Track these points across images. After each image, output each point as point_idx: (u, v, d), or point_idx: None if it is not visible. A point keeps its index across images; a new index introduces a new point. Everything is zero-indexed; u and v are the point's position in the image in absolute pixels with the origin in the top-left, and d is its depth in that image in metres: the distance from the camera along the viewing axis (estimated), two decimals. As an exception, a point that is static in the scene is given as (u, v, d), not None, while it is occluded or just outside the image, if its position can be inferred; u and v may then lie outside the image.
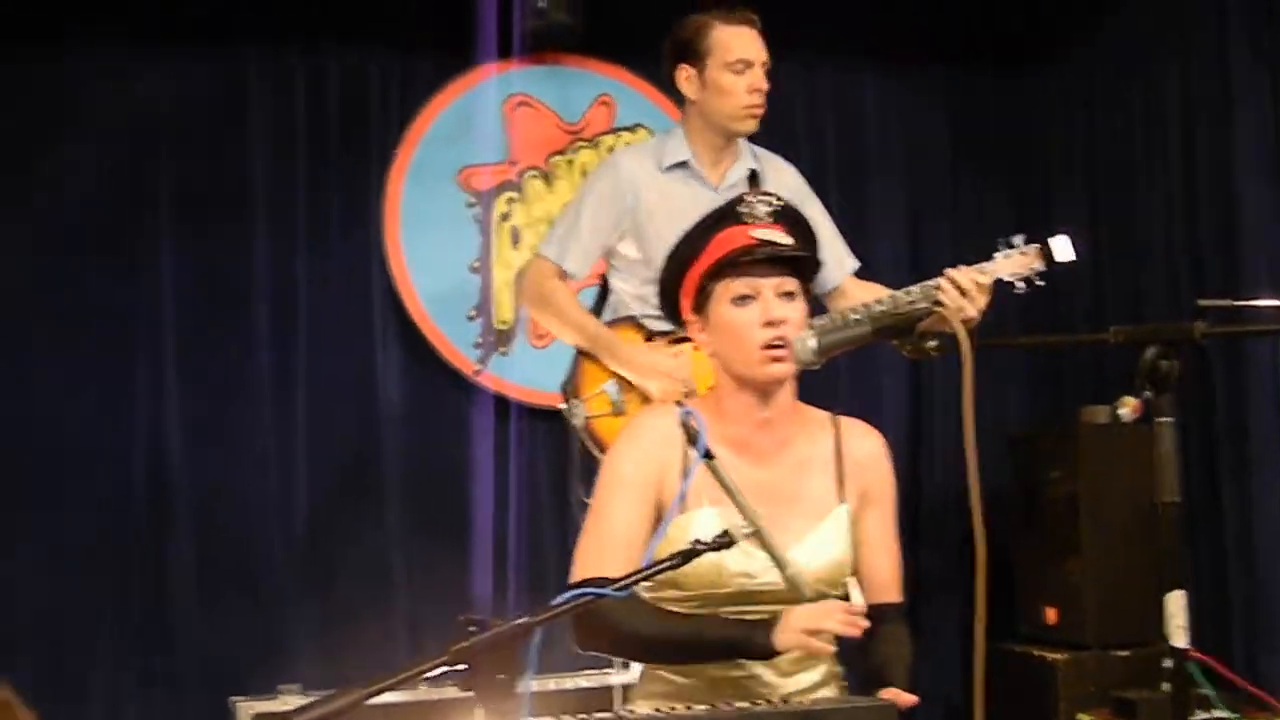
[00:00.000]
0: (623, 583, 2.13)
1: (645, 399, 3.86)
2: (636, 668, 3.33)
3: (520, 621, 1.95)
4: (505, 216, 5.49)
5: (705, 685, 2.70)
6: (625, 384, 3.88)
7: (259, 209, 5.32)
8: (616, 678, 4.66)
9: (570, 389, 3.98)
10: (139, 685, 5.12)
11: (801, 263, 2.76)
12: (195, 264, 5.24)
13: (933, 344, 2.44)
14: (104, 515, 5.11)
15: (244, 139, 5.33)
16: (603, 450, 3.87)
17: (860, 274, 4.23)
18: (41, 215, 5.06)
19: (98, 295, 5.14)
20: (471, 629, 1.92)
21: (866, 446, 2.88)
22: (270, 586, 5.21)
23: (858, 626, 2.52)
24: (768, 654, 2.59)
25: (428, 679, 1.96)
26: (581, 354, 4.01)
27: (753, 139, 4.13)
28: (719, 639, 2.64)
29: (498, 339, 5.44)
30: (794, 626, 2.55)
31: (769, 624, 2.58)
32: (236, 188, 5.31)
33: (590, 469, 4.01)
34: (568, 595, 2.08)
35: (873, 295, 3.93)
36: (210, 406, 5.21)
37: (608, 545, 2.69)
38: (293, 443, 5.27)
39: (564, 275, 4.01)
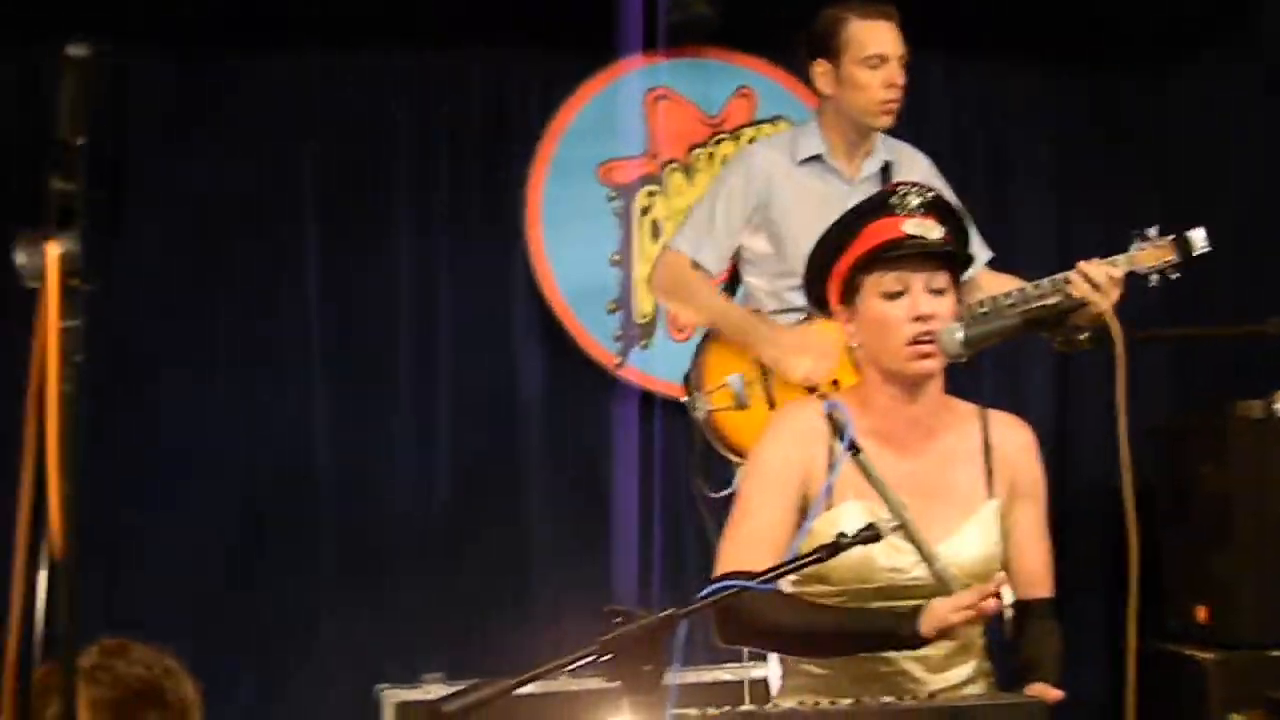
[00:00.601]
0: (767, 576, 2.12)
1: (769, 394, 3.83)
2: (774, 662, 3.32)
3: (666, 614, 1.96)
4: (646, 210, 5.49)
5: (850, 680, 2.68)
6: (750, 377, 3.84)
7: (402, 205, 5.38)
8: (754, 672, 4.64)
9: (693, 382, 3.96)
10: (284, 673, 5.22)
11: (952, 256, 2.73)
12: (340, 260, 5.32)
13: (1084, 336, 2.40)
14: (250, 506, 5.22)
15: (387, 136, 5.39)
16: (724, 444, 3.87)
17: (1004, 266, 4.16)
18: (190, 215, 5.16)
19: (245, 290, 5.24)
20: (617, 620, 1.92)
21: (1016, 439, 2.84)
22: (413, 577, 5.27)
23: (996, 602, 2.48)
24: (914, 642, 2.56)
25: (572, 670, 1.96)
26: (705, 347, 3.99)
27: (890, 129, 4.08)
28: (864, 630, 2.62)
29: (638, 332, 5.45)
30: (938, 611, 2.51)
31: (913, 613, 2.55)
32: (380, 184, 5.37)
33: (712, 463, 4.01)
34: (712, 588, 2.08)
35: (1004, 288, 3.86)
36: (353, 399, 5.29)
37: (752, 539, 2.67)
38: (434, 435, 5.33)
39: (697, 269, 4.01)
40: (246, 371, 5.22)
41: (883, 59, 3.89)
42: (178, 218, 5.13)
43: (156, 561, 4.96)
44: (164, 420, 5.10)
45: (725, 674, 4.67)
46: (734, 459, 3.86)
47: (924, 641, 2.54)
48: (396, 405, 5.32)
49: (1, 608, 4.50)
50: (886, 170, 4.03)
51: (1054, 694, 2.47)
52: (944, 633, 2.52)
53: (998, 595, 2.48)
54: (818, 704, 2.25)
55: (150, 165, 5.08)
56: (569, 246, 5.42)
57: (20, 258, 1.58)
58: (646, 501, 5.33)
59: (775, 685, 3.18)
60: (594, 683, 4.69)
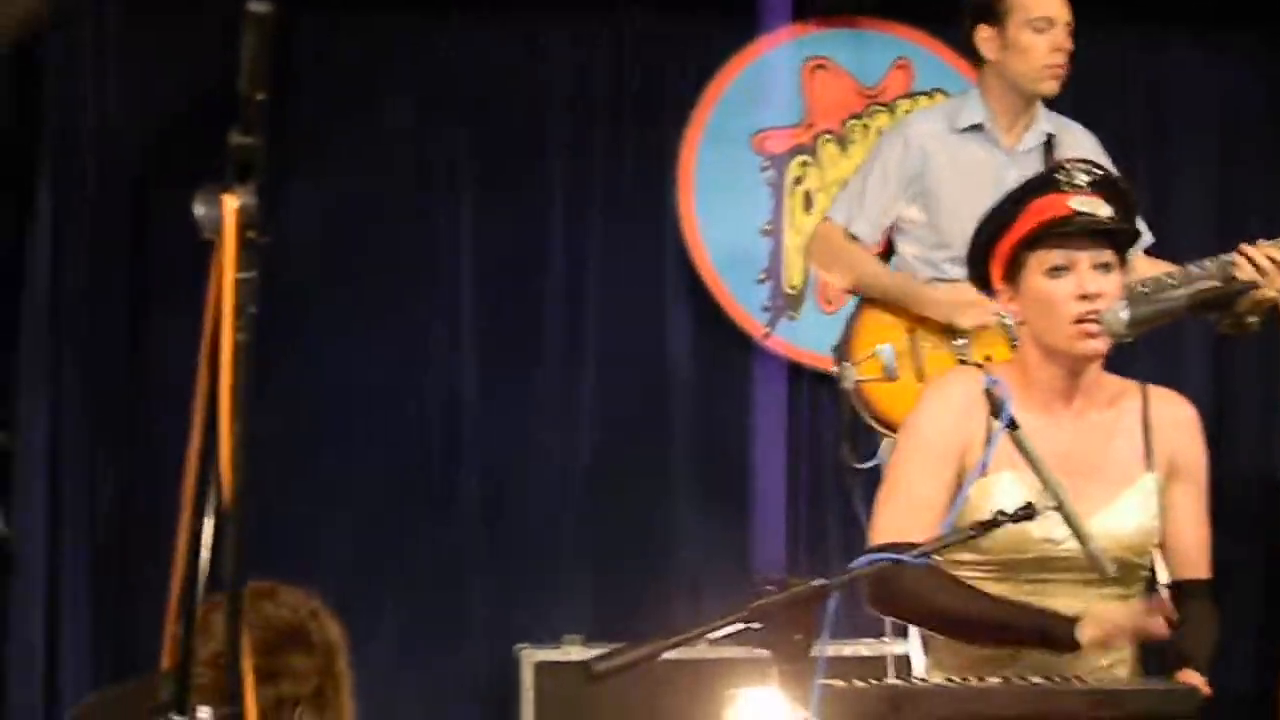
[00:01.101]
0: (923, 550, 2.11)
1: (918, 365, 3.80)
2: (915, 637, 3.29)
3: (818, 583, 1.95)
4: (798, 180, 5.46)
5: (996, 658, 2.65)
6: (900, 349, 3.81)
7: (555, 172, 5.41)
8: (896, 648, 4.61)
9: (842, 352, 3.94)
10: (426, 626, 5.30)
11: (1119, 235, 2.68)
12: (492, 225, 5.36)
13: (1252, 320, 2.34)
14: (398, 464, 5.30)
15: (542, 103, 5.42)
16: (872, 415, 3.85)
17: (1166, 247, 4.08)
18: (348, 177, 5.22)
19: (399, 253, 5.32)
20: (769, 588, 1.92)
21: (1176, 415, 2.80)
22: (556, 540, 5.33)
23: (1164, 629, 2.46)
24: (1069, 648, 2.54)
25: (720, 636, 1.97)
26: (855, 317, 3.97)
27: (1052, 105, 4.02)
28: (1020, 625, 2.58)
29: (787, 303, 5.43)
30: (1099, 624, 2.49)
31: (1073, 620, 2.52)
32: (534, 150, 5.41)
33: (860, 434, 3.99)
34: (865, 559, 2.08)
35: (1161, 272, 3.78)
36: (502, 363, 5.35)
37: (907, 509, 2.66)
38: (581, 400, 5.37)
39: (852, 240, 3.99)
40: (400, 334, 5.30)
41: (1050, 22, 3.83)
42: (337, 178, 5.22)
43: (306, 514, 5.06)
44: (320, 380, 5.20)
45: (866, 649, 4.64)
46: (881, 430, 3.85)
47: (1078, 648, 2.51)
48: (543, 370, 5.36)
49: (159, 557, 4.63)
50: (1049, 144, 3.97)
51: (1199, 682, 2.45)
52: (1101, 645, 2.50)
53: (1166, 618, 2.46)
54: (965, 680, 2.24)
55: (310, 126, 5.17)
56: (720, 216, 5.40)
57: (199, 210, 1.61)
58: (789, 473, 5.33)
59: (918, 661, 3.16)
60: (734, 651, 4.70)
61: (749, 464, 5.31)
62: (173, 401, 5.22)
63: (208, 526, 1.67)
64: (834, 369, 3.94)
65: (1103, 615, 2.50)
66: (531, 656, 4.97)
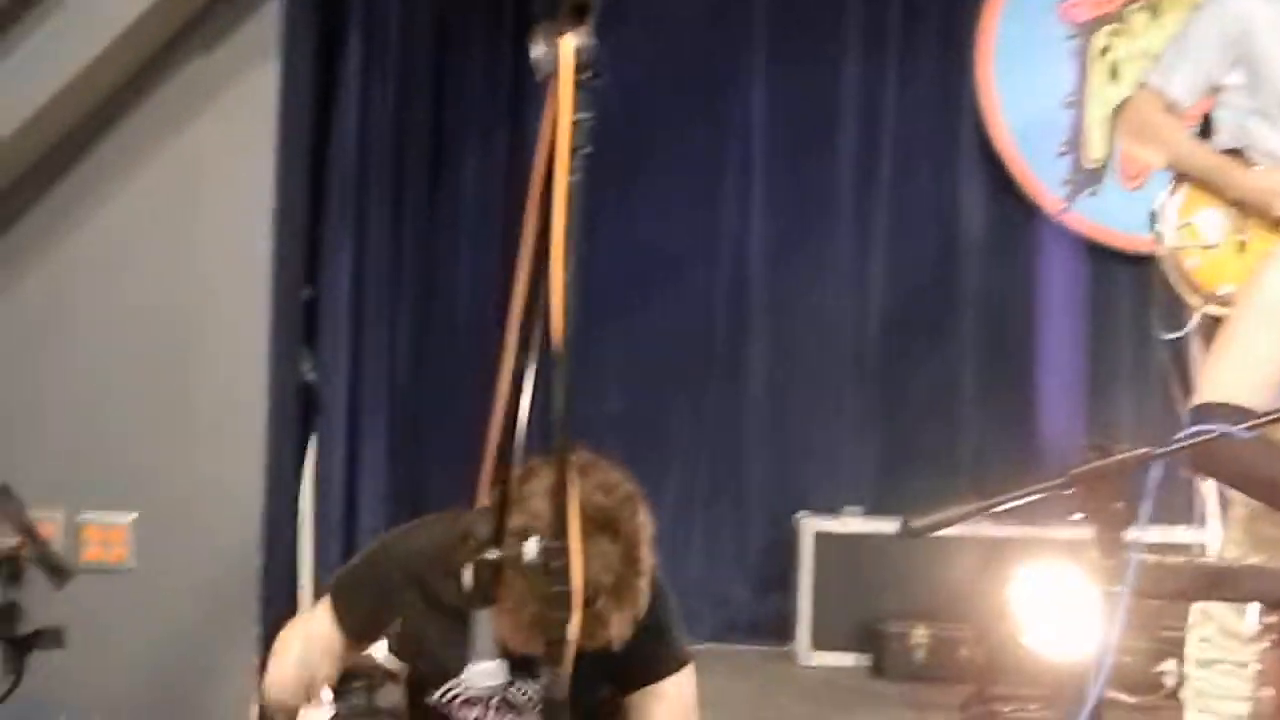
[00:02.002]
0: (1254, 424, 2.02)
1: (1241, 235, 3.64)
2: (1213, 527, 3.19)
3: (1143, 451, 1.88)
4: (1105, 50, 5.27)
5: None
6: (1228, 218, 3.66)
7: (851, 35, 5.34)
8: (1190, 536, 4.50)
9: (1159, 219, 3.79)
10: (707, 494, 5.36)
11: None
12: (786, 87, 5.33)
13: None
14: (686, 324, 5.36)
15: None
16: (1187, 284, 3.70)
17: None
18: (650, 26, 5.21)
19: (690, 120, 5.33)
20: (1092, 454, 1.86)
21: None
22: (838, 407, 5.32)
23: None
24: None
25: (1037, 500, 1.92)
26: (1175, 187, 3.81)
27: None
28: None
29: (1087, 178, 5.26)
30: None
31: None
32: (831, 13, 5.33)
33: (1171, 306, 3.84)
34: (1193, 430, 2.00)
35: None
36: (792, 225, 5.33)
37: (1241, 370, 2.54)
38: (870, 265, 5.33)
39: (1170, 106, 3.82)
40: (693, 194, 5.32)
41: None
42: (640, 28, 5.21)
43: (594, 375, 5.14)
44: (612, 243, 5.25)
45: (1155, 535, 4.51)
46: (1194, 301, 3.70)
47: None
48: (832, 238, 5.33)
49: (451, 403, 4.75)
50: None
51: None
52: None
53: None
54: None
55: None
56: (1020, 85, 5.27)
57: (536, 51, 1.62)
58: (1080, 349, 5.20)
59: (1215, 544, 3.07)
60: (1014, 530, 4.64)
61: (1038, 339, 5.20)
62: (468, 253, 5.38)
63: (531, 368, 1.69)
64: (1151, 234, 3.79)
65: None
66: (811, 526, 4.99)
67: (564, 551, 1.56)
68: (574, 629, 1.54)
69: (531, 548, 1.62)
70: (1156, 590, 2.08)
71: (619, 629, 1.97)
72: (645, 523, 2.04)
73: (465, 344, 5.26)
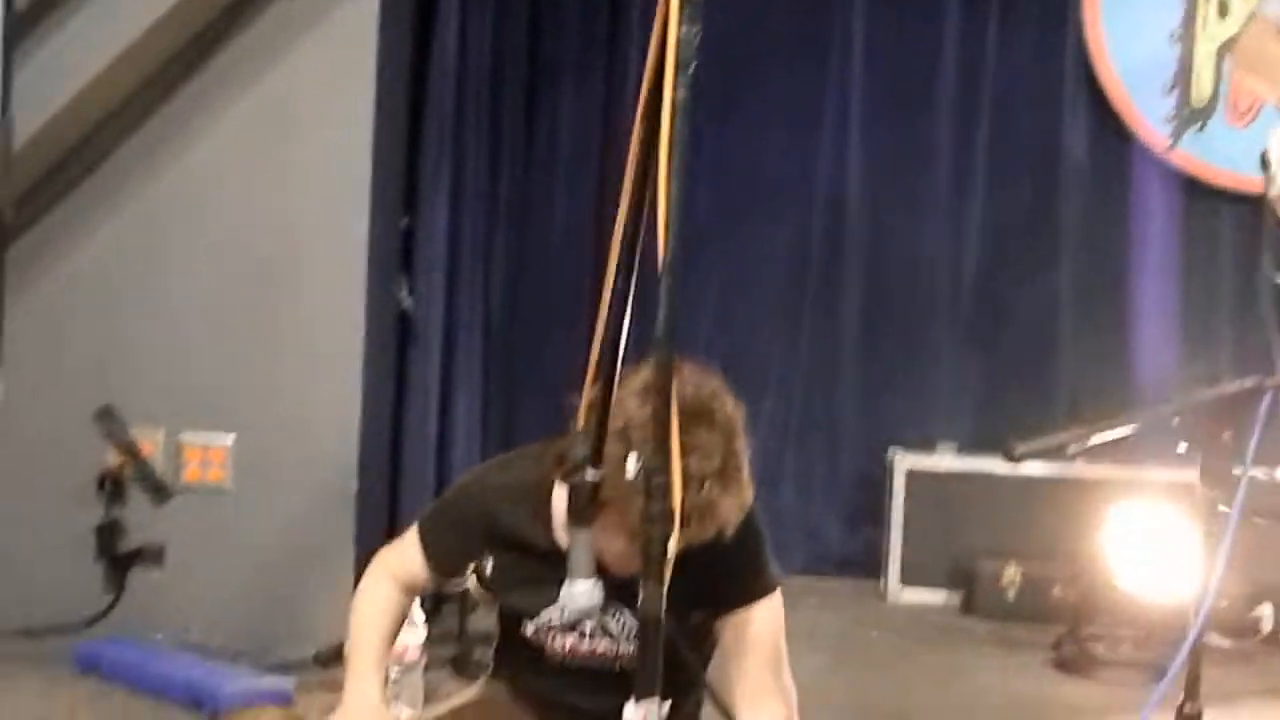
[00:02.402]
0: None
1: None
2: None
3: (1253, 382, 1.86)
4: (1215, -14, 5.16)
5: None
6: None
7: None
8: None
9: (1271, 158, 3.71)
10: (800, 426, 5.35)
11: None
12: (888, 20, 5.27)
13: None
14: (782, 257, 5.35)
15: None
16: (1296, 225, 3.63)
17: None
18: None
19: (795, 47, 5.29)
20: (1201, 385, 1.84)
21: None
22: (933, 342, 5.29)
23: None
24: None
25: (1145, 428, 1.90)
26: (1286, 121, 3.73)
27: None
28: None
29: (1193, 114, 5.16)
30: None
31: None
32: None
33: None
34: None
35: None
36: (891, 160, 5.29)
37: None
38: (969, 201, 5.28)
39: (1284, 36, 3.74)
40: (793, 130, 5.31)
41: None
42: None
43: (697, 293, 5.13)
44: (712, 168, 5.24)
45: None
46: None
47: None
48: (935, 171, 5.28)
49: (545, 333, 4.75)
50: None
51: None
52: None
53: None
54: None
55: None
56: (1127, 21, 5.18)
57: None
58: (1180, 289, 5.13)
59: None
60: (1105, 471, 4.62)
61: (1139, 278, 5.13)
62: (564, 184, 5.39)
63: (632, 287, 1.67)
64: (1261, 174, 3.72)
65: None
66: (904, 462, 4.97)
67: (665, 468, 1.55)
68: (675, 542, 1.53)
69: (632, 464, 1.62)
70: (1268, 510, 2.05)
71: (728, 514, 1.96)
72: (737, 414, 2.03)
73: (559, 274, 5.29)
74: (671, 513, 1.50)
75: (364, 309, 3.84)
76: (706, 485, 1.92)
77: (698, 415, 1.95)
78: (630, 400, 1.89)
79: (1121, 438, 1.84)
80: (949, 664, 4.15)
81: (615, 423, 1.77)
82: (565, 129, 5.31)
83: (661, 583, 1.52)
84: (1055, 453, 1.80)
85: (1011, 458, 1.80)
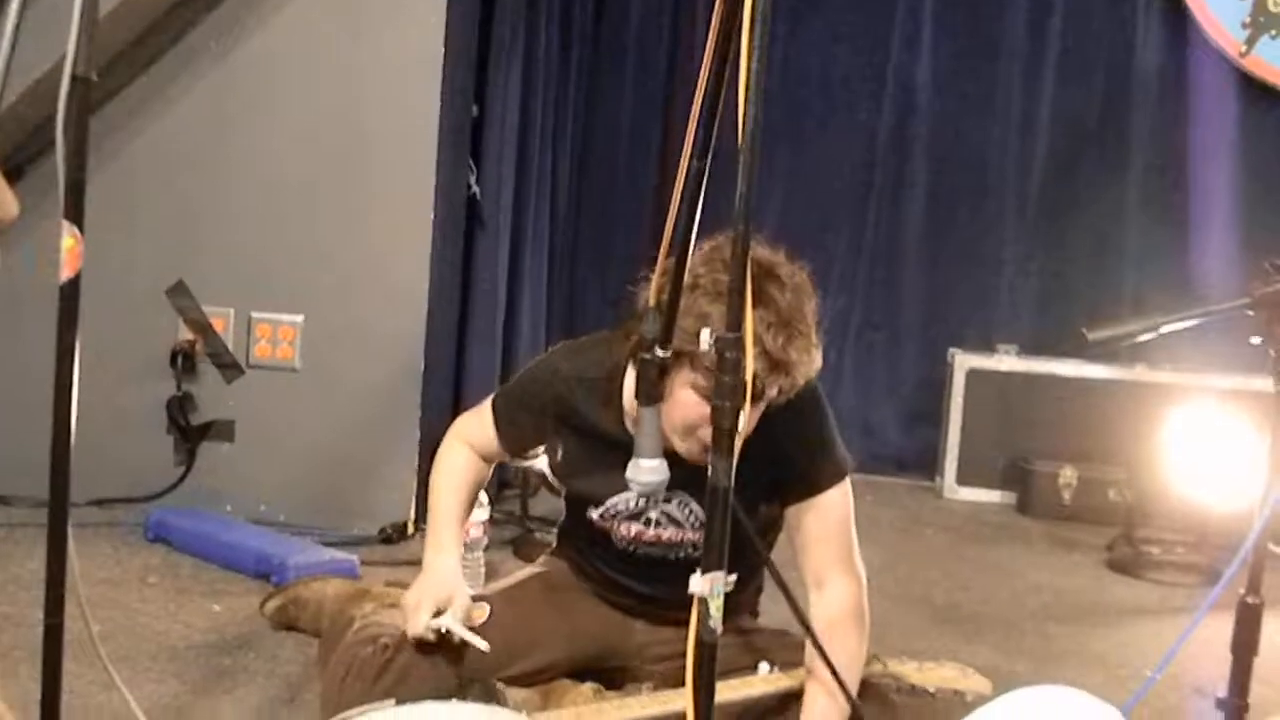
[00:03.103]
0: None
1: None
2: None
3: (1327, 277, 1.86)
4: (1295, -113, 5.06)
5: None
6: None
7: None
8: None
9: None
10: (861, 324, 5.37)
11: None
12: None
13: None
14: (849, 155, 5.35)
15: None
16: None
17: None
18: None
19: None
20: (1275, 276, 1.84)
21: None
22: (998, 246, 5.28)
23: None
24: None
25: (1210, 320, 1.91)
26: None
27: None
28: None
29: (1269, 20, 5.08)
30: None
31: None
32: None
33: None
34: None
35: None
36: (960, 61, 5.26)
37: None
38: (1038, 104, 5.24)
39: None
40: (864, 28, 5.29)
41: None
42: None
43: (762, 188, 5.11)
44: (790, 78, 5.24)
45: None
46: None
47: None
48: (1005, 72, 5.24)
49: (609, 222, 4.76)
50: None
51: None
52: None
53: None
54: None
55: None
56: (1205, -78, 5.08)
57: None
58: (1250, 195, 5.08)
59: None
60: (1165, 376, 4.62)
61: (1208, 185, 5.08)
62: (632, 78, 5.38)
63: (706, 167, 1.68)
64: None
65: None
66: (965, 362, 4.98)
67: (737, 343, 1.56)
68: (745, 419, 1.54)
69: (705, 337, 1.63)
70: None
71: (798, 369, 1.98)
72: (806, 279, 2.05)
73: (627, 162, 5.31)
74: (743, 384, 1.50)
75: (433, 194, 3.86)
76: (777, 337, 1.94)
77: (769, 274, 1.98)
78: (700, 265, 1.91)
79: (1191, 327, 1.85)
80: (1003, 562, 4.18)
81: (685, 280, 1.77)
82: (635, 22, 5.31)
83: (731, 455, 1.52)
84: (1126, 338, 1.80)
85: (1088, 344, 1.81)
